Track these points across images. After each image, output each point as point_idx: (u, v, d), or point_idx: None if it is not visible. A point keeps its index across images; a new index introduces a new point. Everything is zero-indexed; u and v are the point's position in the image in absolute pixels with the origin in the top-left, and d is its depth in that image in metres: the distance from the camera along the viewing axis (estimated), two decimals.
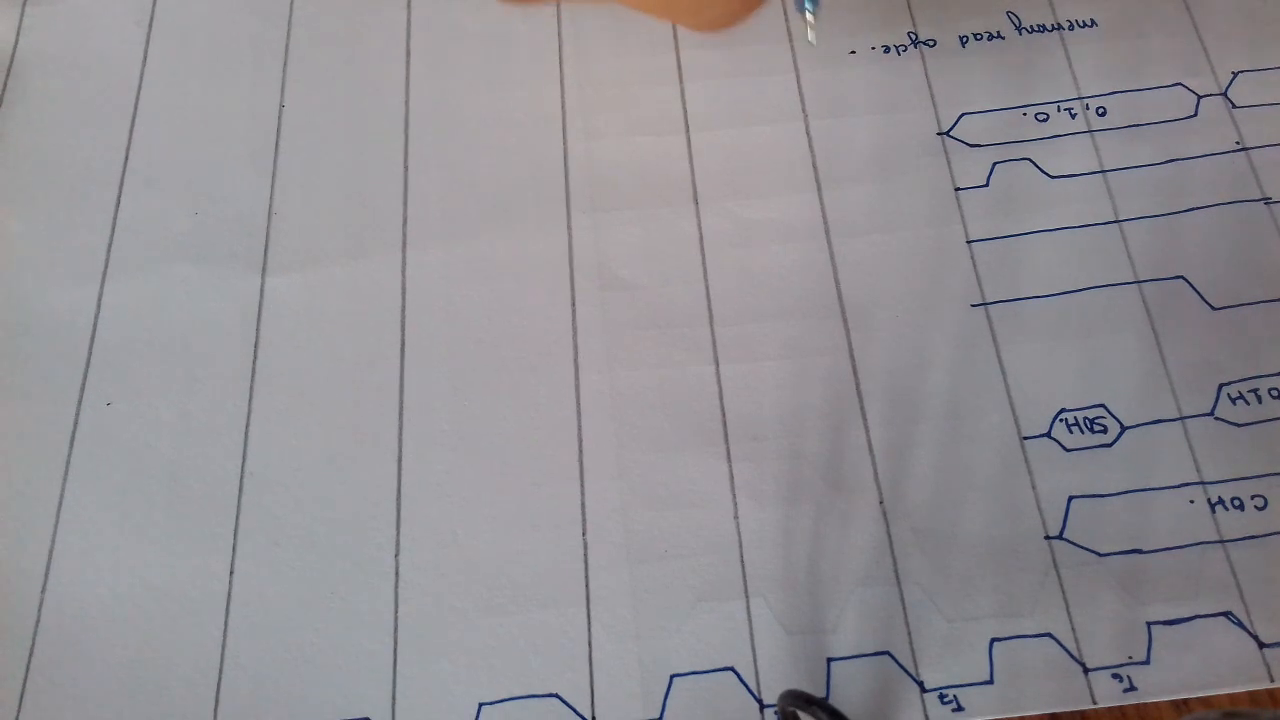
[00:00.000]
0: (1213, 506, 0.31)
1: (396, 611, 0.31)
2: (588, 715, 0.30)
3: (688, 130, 0.38)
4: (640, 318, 0.35)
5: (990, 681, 0.29)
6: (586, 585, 0.31)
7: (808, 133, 0.37)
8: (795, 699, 0.27)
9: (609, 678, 0.30)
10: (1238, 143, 0.36)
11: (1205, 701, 0.29)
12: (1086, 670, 0.29)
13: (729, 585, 0.31)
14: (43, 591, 0.32)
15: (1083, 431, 0.32)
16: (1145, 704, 0.29)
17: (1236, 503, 0.31)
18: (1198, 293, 0.34)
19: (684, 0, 0.31)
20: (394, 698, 0.30)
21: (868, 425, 0.33)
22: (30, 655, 0.31)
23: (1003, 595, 0.30)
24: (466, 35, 0.39)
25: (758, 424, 0.33)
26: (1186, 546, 0.30)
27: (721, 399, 0.33)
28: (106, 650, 0.31)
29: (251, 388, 0.34)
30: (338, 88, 0.39)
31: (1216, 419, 0.32)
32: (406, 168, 0.37)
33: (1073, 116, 0.37)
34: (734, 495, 0.32)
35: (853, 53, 0.38)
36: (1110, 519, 0.31)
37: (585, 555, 0.32)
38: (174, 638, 0.31)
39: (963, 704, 0.29)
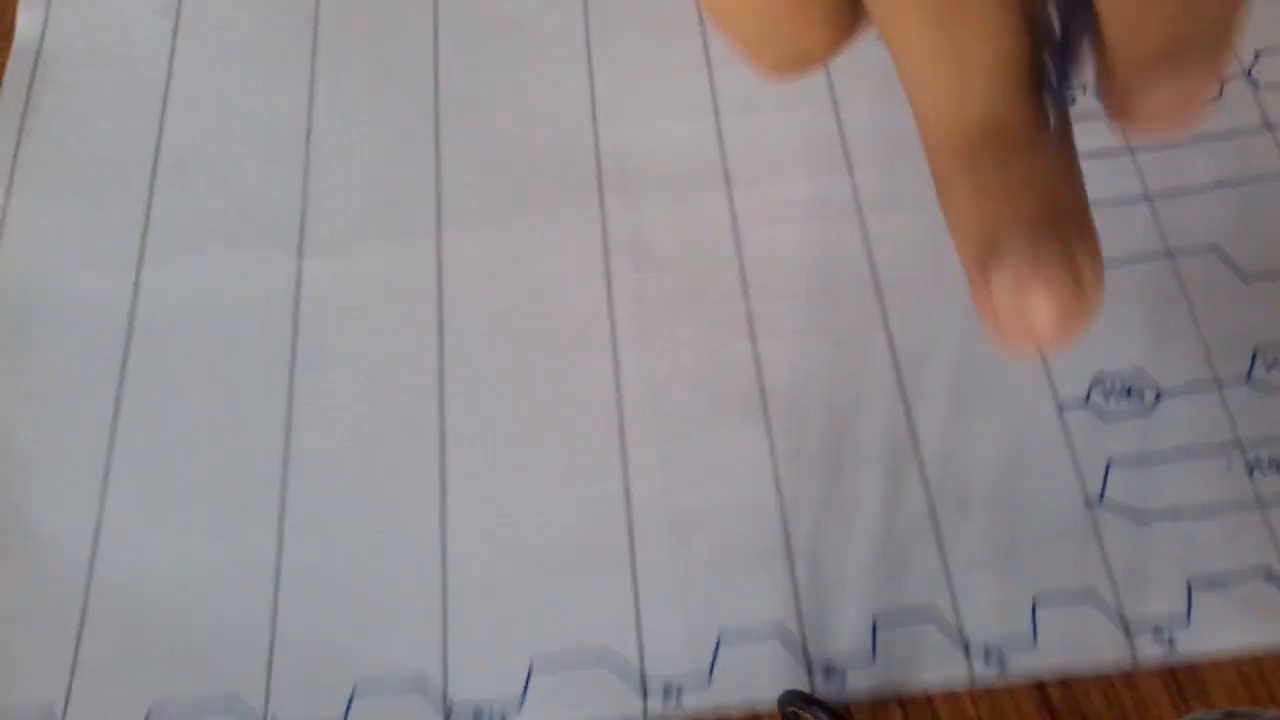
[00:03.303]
0: (1250, 469, 0.31)
1: (445, 577, 0.32)
2: (637, 674, 0.30)
3: (717, 114, 0.38)
4: (676, 296, 0.35)
5: (1034, 640, 0.30)
6: (632, 551, 0.32)
7: (837, 115, 0.38)
8: (796, 699, 0.27)
9: (657, 638, 0.31)
10: (1262, 121, 0.37)
11: (1254, 661, 0.29)
12: (1128, 630, 0.30)
13: (772, 550, 0.31)
14: (90, 566, 0.32)
15: (1120, 399, 0.32)
16: (1146, 705, 0.29)
17: (1274, 465, 0.31)
18: (1229, 263, 0.34)
19: (750, 31, 0.30)
20: (445, 658, 0.31)
21: (905, 395, 0.33)
22: (81, 626, 0.32)
23: (1044, 559, 0.31)
24: (495, 20, 0.40)
25: (796, 397, 0.33)
26: (1224, 509, 0.31)
27: (759, 373, 0.34)
28: (157, 620, 0.32)
29: (292, 367, 0.35)
30: (367, 74, 0.40)
31: (1252, 384, 0.32)
32: (438, 152, 0.38)
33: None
34: (775, 465, 0.32)
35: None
36: (1149, 483, 0.31)
37: (629, 521, 0.32)
38: (224, 606, 0.32)
39: (1006, 662, 0.29)
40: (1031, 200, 0.27)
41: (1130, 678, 0.29)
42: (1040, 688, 0.29)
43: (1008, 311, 0.27)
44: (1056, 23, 0.26)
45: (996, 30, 0.26)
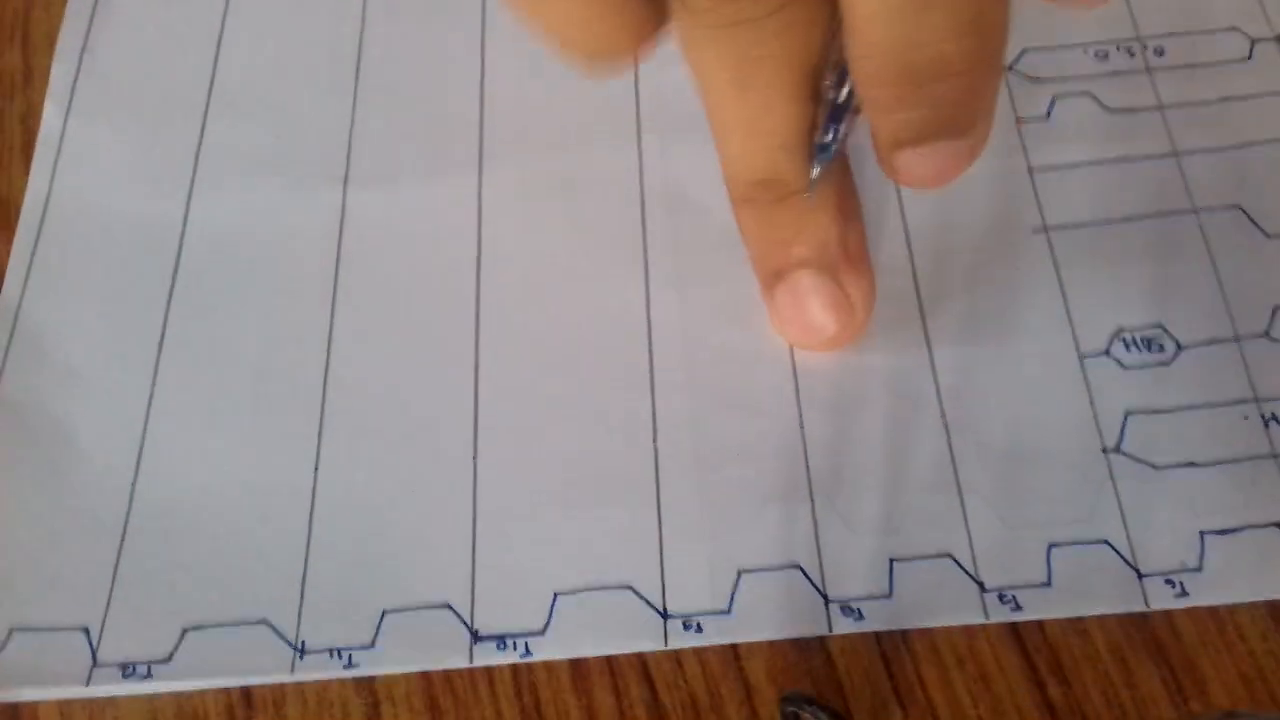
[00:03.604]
0: (1266, 422, 0.32)
1: (475, 507, 0.32)
2: (659, 606, 0.31)
3: None
4: (708, 237, 0.36)
5: (1048, 584, 0.30)
6: (657, 486, 0.32)
7: None
8: (796, 699, 0.28)
9: (679, 572, 0.31)
10: None
11: (1254, 661, 0.30)
12: (1141, 575, 0.30)
13: (794, 489, 0.32)
14: (133, 483, 0.33)
15: (1140, 350, 0.33)
16: (1146, 705, 0.29)
17: None
18: (1253, 221, 0.34)
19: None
20: (473, 587, 0.31)
21: (930, 342, 0.34)
22: (120, 547, 0.33)
23: (1060, 504, 0.31)
24: None
25: None
26: (1240, 460, 0.31)
27: None
28: (195, 538, 0.33)
29: (334, 296, 0.36)
30: (416, 10, 0.40)
31: (1271, 339, 0.33)
32: (483, 90, 0.39)
33: (1131, 55, 0.38)
34: (799, 406, 0.33)
35: None
36: (1166, 433, 0.32)
37: (655, 459, 0.33)
38: (261, 527, 0.33)
39: (1021, 604, 0.30)
40: (802, 240, 0.29)
41: (1131, 678, 0.30)
42: (1041, 687, 0.30)
43: (786, 324, 0.30)
44: (832, 95, 0.27)
45: (782, 101, 0.27)
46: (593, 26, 0.30)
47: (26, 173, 0.39)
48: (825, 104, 0.28)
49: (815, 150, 0.28)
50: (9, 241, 0.37)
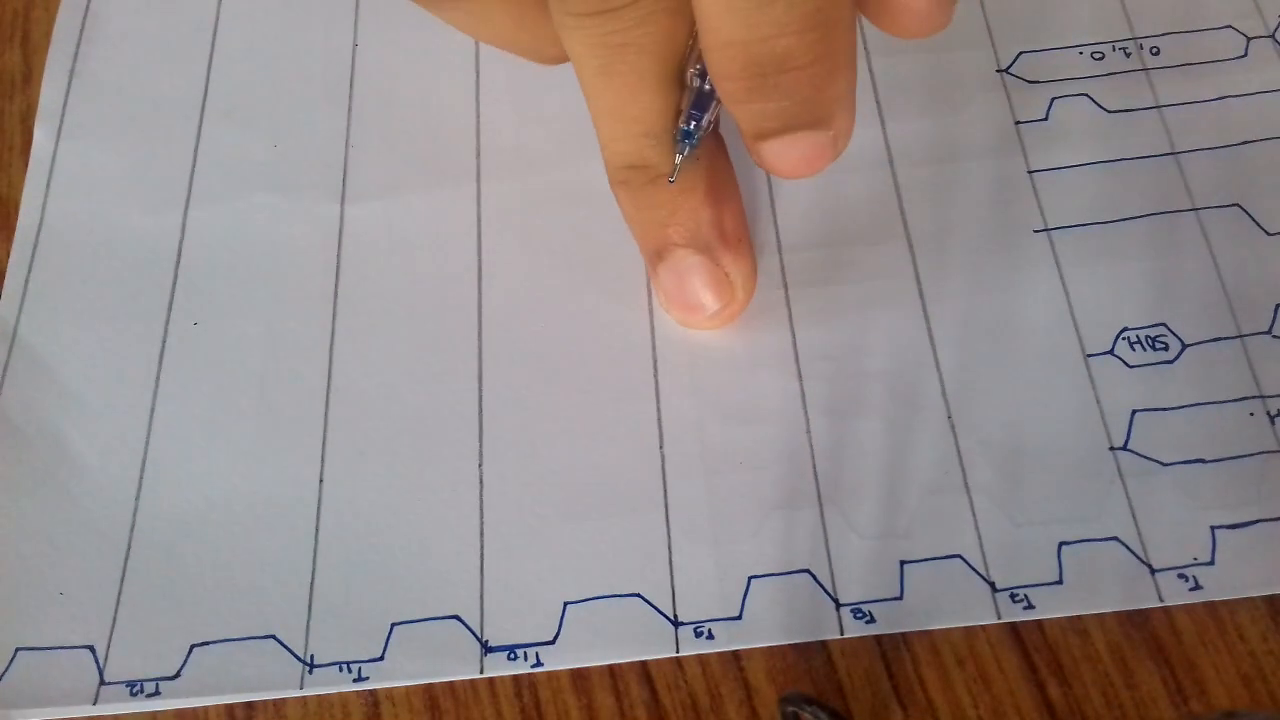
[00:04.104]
0: (1272, 418, 0.32)
1: (482, 517, 0.32)
2: (669, 614, 0.31)
3: None
4: None
5: (1059, 582, 0.30)
6: (665, 494, 0.32)
7: (870, 69, 0.38)
8: (796, 699, 0.28)
9: (689, 579, 0.31)
10: None
11: (1254, 660, 0.30)
12: (1153, 571, 0.30)
13: (802, 494, 0.32)
14: (136, 499, 0.33)
15: (1145, 349, 0.33)
16: (1146, 705, 0.29)
17: None
18: (1253, 219, 0.35)
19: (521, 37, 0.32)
20: (482, 598, 0.31)
21: (934, 344, 0.34)
22: (125, 564, 0.32)
23: (1069, 503, 0.31)
24: None
25: (827, 344, 0.34)
26: (1248, 455, 0.31)
27: (791, 321, 0.34)
28: (201, 553, 0.32)
29: (335, 308, 0.35)
30: (410, 22, 0.40)
31: (1274, 336, 0.33)
32: (478, 102, 0.39)
33: (1127, 55, 0.38)
34: (805, 411, 0.33)
35: None
36: (1173, 430, 0.32)
37: (662, 466, 0.33)
38: (267, 541, 0.32)
39: (1033, 602, 0.30)
40: (677, 221, 0.30)
41: (1131, 678, 0.30)
42: (1041, 687, 0.30)
43: (669, 301, 0.30)
44: (698, 84, 0.28)
45: (645, 88, 0.28)
46: (527, 40, 0.31)
47: (26, 172, 0.38)
48: (691, 92, 0.28)
49: (679, 137, 0.29)
50: (9, 241, 0.37)
